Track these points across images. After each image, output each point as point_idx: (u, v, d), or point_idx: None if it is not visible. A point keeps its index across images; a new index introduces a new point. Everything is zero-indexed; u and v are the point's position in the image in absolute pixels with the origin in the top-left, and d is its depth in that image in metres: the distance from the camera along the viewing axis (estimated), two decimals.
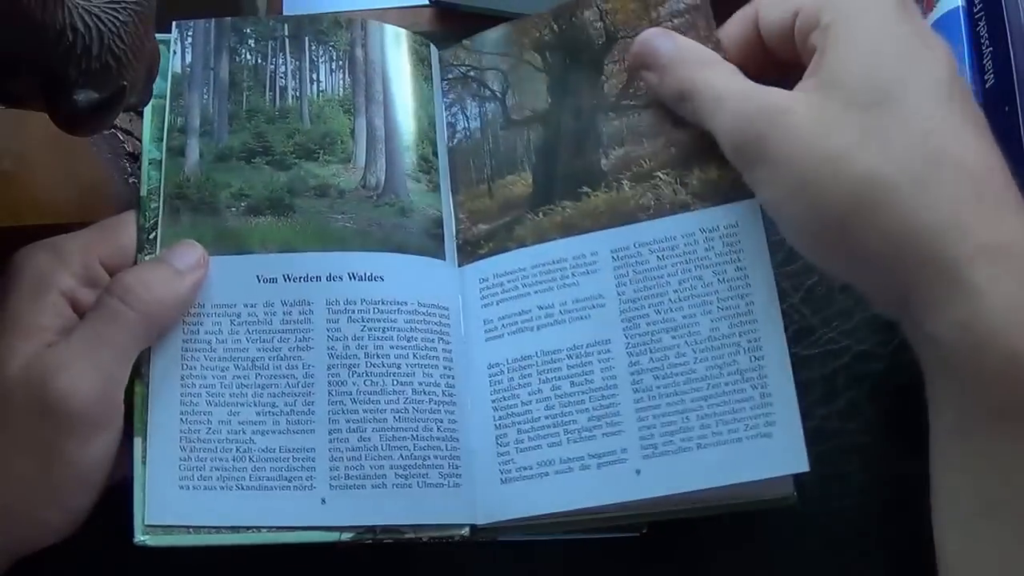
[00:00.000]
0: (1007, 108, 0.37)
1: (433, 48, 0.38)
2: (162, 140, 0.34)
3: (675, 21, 0.34)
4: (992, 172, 0.27)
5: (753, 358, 0.31)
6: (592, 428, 0.32)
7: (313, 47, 0.36)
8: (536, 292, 0.33)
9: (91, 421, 0.29)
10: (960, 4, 0.40)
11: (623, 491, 0.31)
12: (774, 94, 0.30)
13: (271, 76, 0.36)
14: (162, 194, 0.33)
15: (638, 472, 0.31)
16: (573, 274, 0.33)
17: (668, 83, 0.32)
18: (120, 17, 0.25)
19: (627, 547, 0.35)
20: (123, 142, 0.37)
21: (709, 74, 0.31)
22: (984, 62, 0.38)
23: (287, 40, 0.36)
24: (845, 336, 0.38)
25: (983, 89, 0.38)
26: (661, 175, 0.33)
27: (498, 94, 0.37)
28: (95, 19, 0.25)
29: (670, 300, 0.32)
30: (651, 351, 0.32)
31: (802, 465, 0.30)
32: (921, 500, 0.34)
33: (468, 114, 0.37)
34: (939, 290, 0.26)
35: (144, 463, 0.31)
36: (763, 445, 0.30)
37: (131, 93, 0.27)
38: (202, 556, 0.33)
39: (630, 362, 0.32)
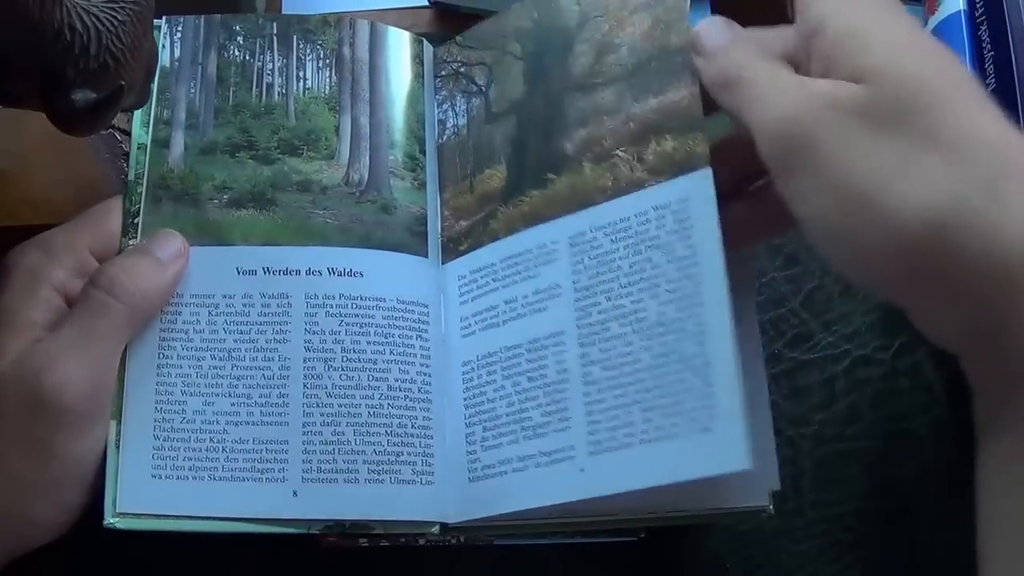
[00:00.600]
0: (1008, 113, 0.41)
1: (428, 45, 0.41)
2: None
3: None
4: None
5: (698, 343, 0.31)
6: (544, 424, 0.34)
7: (301, 45, 0.40)
8: (503, 287, 0.36)
9: (84, 414, 0.32)
10: (962, 8, 0.43)
11: (568, 490, 0.32)
12: (821, 87, 0.28)
13: (258, 73, 0.40)
14: (145, 184, 0.37)
15: (582, 470, 0.32)
16: (535, 265, 0.36)
17: (715, 67, 0.32)
18: (118, 16, 0.28)
19: (626, 551, 0.38)
20: (121, 142, 0.40)
21: (760, 63, 0.30)
22: (986, 66, 0.41)
23: (275, 38, 0.40)
24: (845, 341, 0.41)
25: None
26: (620, 153, 0.35)
27: (482, 88, 0.40)
28: (93, 18, 0.28)
29: (620, 286, 0.33)
30: (600, 341, 0.33)
31: (743, 463, 0.29)
32: (920, 505, 0.38)
33: (457, 110, 0.40)
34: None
35: (117, 447, 0.34)
36: (703, 441, 0.30)
37: (129, 93, 0.30)
38: (196, 559, 0.36)
39: (581, 354, 0.34)
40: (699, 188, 0.33)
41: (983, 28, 0.42)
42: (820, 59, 0.29)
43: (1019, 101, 0.40)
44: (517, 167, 0.39)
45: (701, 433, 0.31)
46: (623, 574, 0.39)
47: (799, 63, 0.31)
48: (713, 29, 0.33)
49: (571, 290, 0.35)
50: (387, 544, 0.36)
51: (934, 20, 0.45)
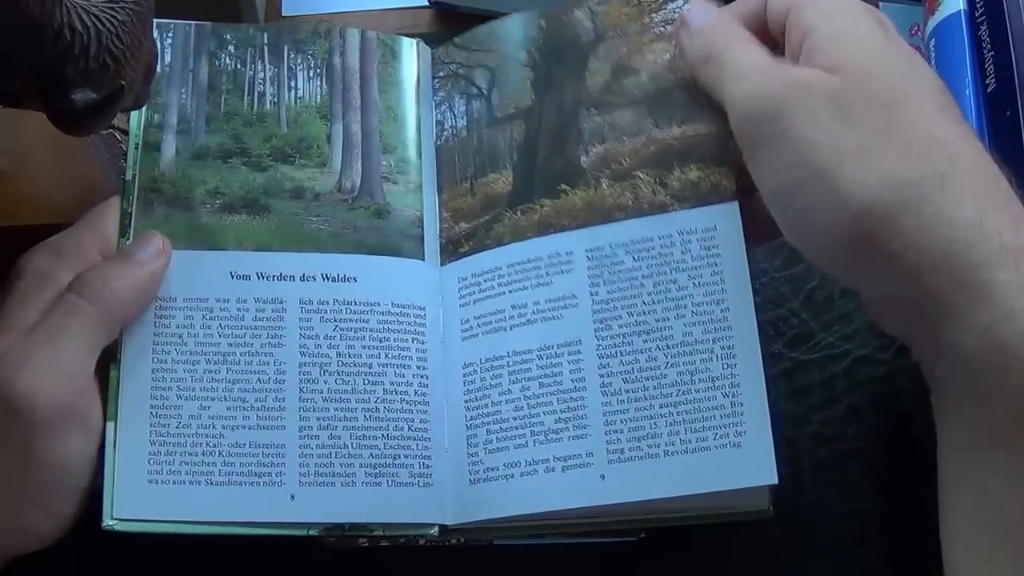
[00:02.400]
0: (1008, 112, 0.41)
1: (424, 47, 0.43)
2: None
3: (668, 28, 0.39)
4: (1000, 175, 0.30)
5: (726, 365, 0.34)
6: (559, 430, 0.35)
7: (292, 55, 0.41)
8: (511, 291, 0.37)
9: (58, 420, 0.32)
10: (962, 8, 0.44)
11: (587, 496, 0.34)
12: (798, 71, 0.32)
13: (250, 81, 0.41)
14: (136, 187, 0.38)
15: (603, 477, 0.34)
16: (548, 273, 0.37)
17: (698, 43, 0.35)
18: (118, 16, 0.29)
19: (626, 551, 0.38)
20: (120, 142, 0.41)
21: (740, 44, 0.34)
22: (986, 66, 0.43)
23: (266, 48, 0.41)
24: (845, 341, 0.42)
25: (984, 93, 0.43)
26: (640, 174, 0.37)
27: (484, 91, 0.41)
28: (93, 19, 0.29)
29: (644, 303, 0.35)
30: (622, 354, 0.35)
31: (771, 477, 0.33)
32: (921, 505, 0.38)
33: (455, 112, 0.42)
34: (962, 293, 0.28)
35: (115, 447, 0.35)
36: (732, 455, 0.33)
37: (129, 93, 0.31)
38: (196, 555, 0.37)
39: (600, 364, 0.35)
40: (726, 219, 0.35)
41: (983, 28, 0.43)
42: (805, 55, 0.33)
43: (1019, 101, 0.41)
44: (525, 174, 0.40)
45: (730, 448, 0.33)
46: (623, 574, 0.39)
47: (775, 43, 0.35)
48: (698, 9, 0.37)
49: (588, 301, 0.36)
50: (387, 544, 0.36)
51: (934, 20, 0.46)
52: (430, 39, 0.44)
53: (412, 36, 0.43)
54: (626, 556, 0.39)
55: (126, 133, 0.40)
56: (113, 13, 0.30)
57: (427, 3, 0.51)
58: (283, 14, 0.51)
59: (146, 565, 0.39)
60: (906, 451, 0.42)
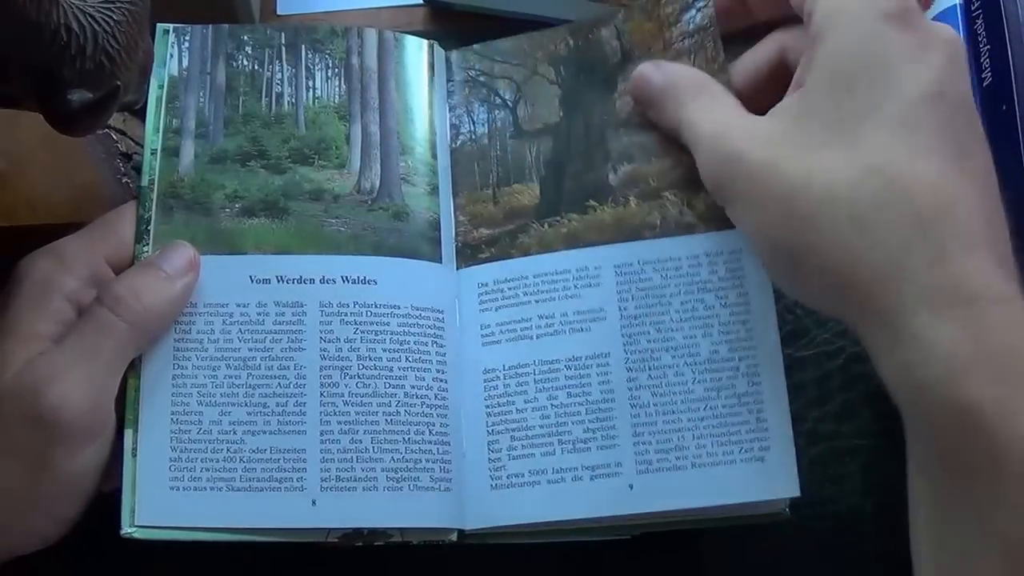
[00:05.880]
0: (1004, 107, 0.36)
1: (438, 49, 0.38)
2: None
3: (686, 42, 0.35)
4: (951, 206, 0.25)
5: (751, 383, 0.31)
6: (587, 440, 0.31)
7: (309, 55, 0.36)
8: (537, 301, 0.33)
9: (82, 432, 0.29)
10: (958, 2, 0.39)
11: (616, 504, 0.31)
12: (735, 140, 0.29)
13: (267, 82, 0.35)
14: (156, 193, 0.33)
15: (631, 487, 0.31)
16: (576, 286, 0.33)
17: (662, 118, 0.33)
18: (114, 16, 0.25)
19: (622, 549, 0.34)
20: (117, 142, 0.36)
21: (691, 110, 0.31)
22: (982, 60, 0.38)
23: (284, 48, 0.36)
24: (839, 337, 0.38)
25: (980, 88, 0.38)
26: (668, 195, 0.33)
27: (509, 103, 0.37)
28: (89, 19, 0.25)
29: (671, 320, 0.32)
30: (650, 368, 0.32)
31: (793, 490, 0.30)
32: None
33: (474, 118, 0.37)
34: (880, 334, 0.25)
35: (134, 456, 0.30)
36: (756, 468, 0.30)
37: (125, 93, 0.27)
38: (196, 552, 0.32)
39: (628, 377, 0.32)
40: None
41: (979, 22, 0.38)
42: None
43: (1015, 94, 0.36)
44: (553, 188, 0.35)
45: (754, 462, 0.31)
46: (619, 572, 0.35)
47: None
48: (650, 75, 0.33)
49: (617, 315, 0.33)
50: (380, 544, 0.32)
51: (930, 14, 0.41)
52: (423, 37, 0.38)
53: (406, 34, 0.38)
54: (622, 554, 0.35)
55: (122, 133, 0.35)
56: (109, 13, 0.26)
57: (421, 1, 0.44)
58: (278, 13, 0.44)
59: (147, 567, 0.34)
60: (901, 448, 0.36)
